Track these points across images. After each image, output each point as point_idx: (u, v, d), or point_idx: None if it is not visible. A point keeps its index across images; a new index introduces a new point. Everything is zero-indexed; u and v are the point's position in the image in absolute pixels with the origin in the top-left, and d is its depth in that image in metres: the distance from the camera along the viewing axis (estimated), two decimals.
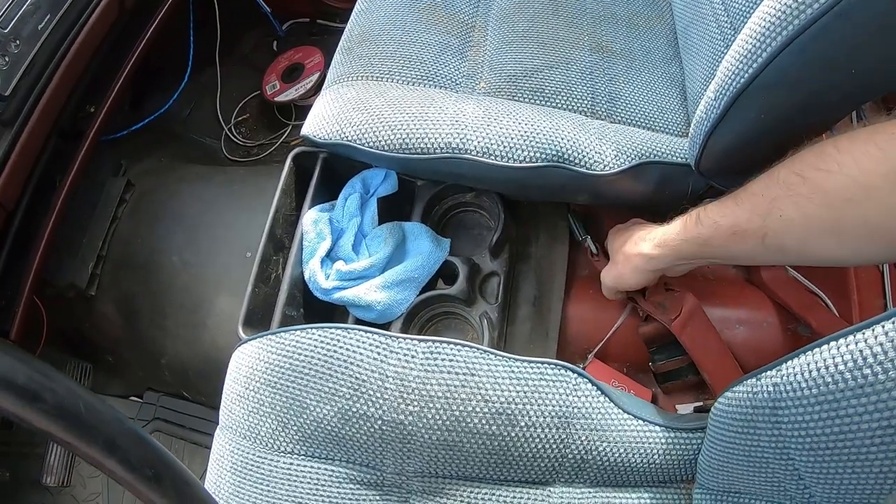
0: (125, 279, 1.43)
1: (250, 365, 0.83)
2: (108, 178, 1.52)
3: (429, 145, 0.83)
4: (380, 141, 0.85)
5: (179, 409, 1.45)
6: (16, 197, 0.93)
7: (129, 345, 1.44)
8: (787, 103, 0.66)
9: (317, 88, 1.66)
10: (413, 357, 0.75)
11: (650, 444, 0.75)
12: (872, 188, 0.54)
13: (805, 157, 0.61)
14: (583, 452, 0.73)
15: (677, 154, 0.89)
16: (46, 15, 0.91)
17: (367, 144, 0.86)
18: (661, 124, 0.95)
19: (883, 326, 0.45)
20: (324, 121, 0.92)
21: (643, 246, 0.79)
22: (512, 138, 0.83)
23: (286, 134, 1.69)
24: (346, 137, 0.88)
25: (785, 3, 0.58)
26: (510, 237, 0.97)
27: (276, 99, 1.68)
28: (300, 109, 1.71)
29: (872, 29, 0.55)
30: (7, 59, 0.85)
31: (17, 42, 0.86)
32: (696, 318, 0.89)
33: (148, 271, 1.42)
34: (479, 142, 0.83)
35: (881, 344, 0.45)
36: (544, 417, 0.72)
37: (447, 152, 0.83)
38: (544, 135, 0.85)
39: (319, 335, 0.79)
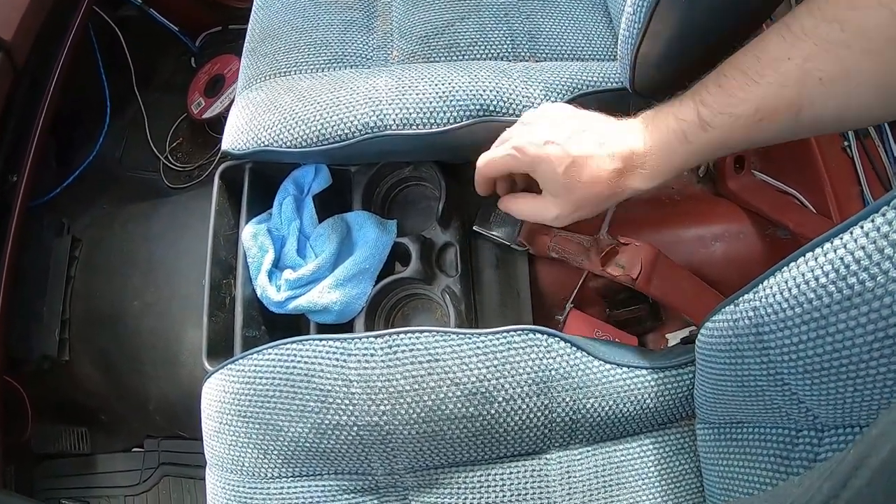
0: (94, 336, 1.41)
1: (218, 398, 0.79)
2: (53, 239, 1.48)
3: (346, 130, 0.79)
4: (296, 138, 0.80)
5: (181, 449, 1.44)
6: None
7: (116, 399, 1.42)
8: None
9: None
10: (373, 355, 0.70)
11: (640, 389, 0.71)
12: None
13: None
14: (570, 413, 0.69)
15: (611, 79, 0.84)
16: None
17: (284, 145, 0.81)
18: (588, 52, 0.90)
19: (862, 227, 0.40)
20: (239, 131, 0.87)
21: (628, 177, 0.66)
22: (430, 102, 0.78)
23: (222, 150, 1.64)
24: (263, 142, 0.83)
25: None
26: (458, 203, 0.92)
27: (203, 116, 1.62)
28: None
29: None
30: None
31: None
32: (659, 267, 0.84)
33: (114, 323, 1.40)
34: (396, 114, 0.78)
35: (863, 247, 0.40)
36: (521, 387, 0.68)
37: (367, 133, 0.78)
38: (464, 91, 0.79)
39: (276, 354, 0.75)
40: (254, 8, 1.06)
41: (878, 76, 0.49)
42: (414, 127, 0.78)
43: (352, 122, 0.78)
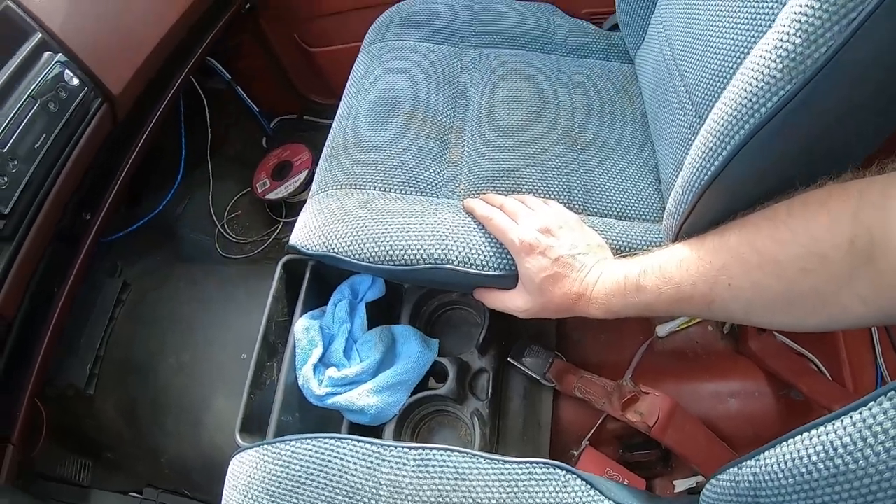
0: (124, 379, 1.45)
1: (248, 474, 0.84)
2: (105, 279, 1.56)
3: (412, 257, 0.87)
4: (365, 253, 0.88)
5: None
6: (15, 306, 0.94)
7: (129, 442, 1.45)
8: (752, 192, 0.67)
9: (305, 185, 1.72)
10: (405, 465, 0.77)
11: None
12: (822, 258, 0.54)
13: (757, 223, 0.61)
14: None
15: (653, 241, 0.92)
16: (42, 134, 0.95)
17: (353, 257, 0.89)
18: (636, 212, 0.98)
19: (851, 417, 0.47)
20: (311, 232, 0.96)
21: (586, 304, 0.78)
22: (491, 246, 0.87)
23: (277, 230, 1.74)
24: (333, 250, 0.91)
25: (742, 99, 0.60)
26: (498, 333, 0.99)
27: (266, 197, 1.73)
28: (290, 206, 1.77)
29: (830, 120, 0.57)
30: (6, 178, 0.89)
31: (15, 161, 0.90)
32: (676, 418, 0.90)
33: (146, 371, 1.45)
34: (460, 252, 0.86)
35: (849, 434, 0.47)
36: None
37: (430, 263, 0.86)
38: None
39: (314, 445, 0.81)
40: (338, 115, 1.17)
41: (785, 296, 0.58)
42: (473, 267, 0.85)
43: (418, 251, 0.86)
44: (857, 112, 0.56)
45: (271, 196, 1.73)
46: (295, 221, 1.66)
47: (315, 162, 1.78)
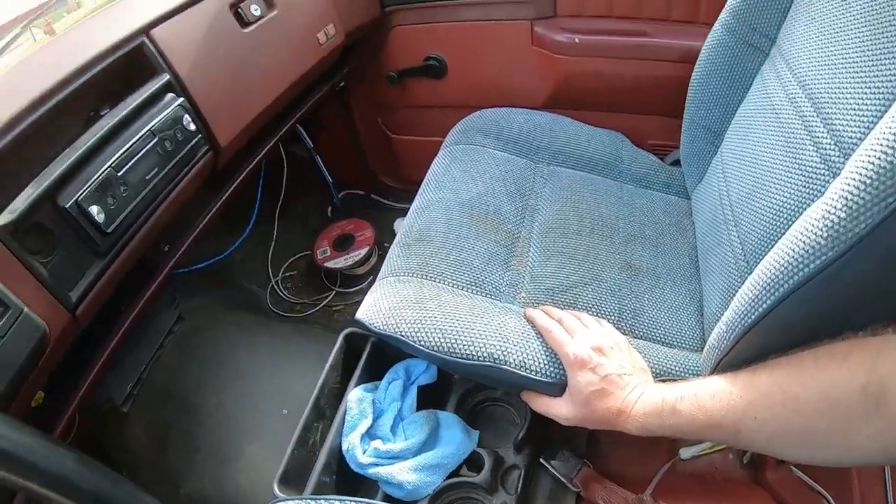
0: (160, 405, 1.52)
1: None
2: (163, 307, 1.65)
3: (472, 353, 0.95)
4: (430, 342, 0.97)
5: None
6: (89, 317, 0.99)
7: (152, 467, 1.48)
8: (786, 339, 0.73)
9: (364, 261, 1.82)
10: None
11: None
12: (839, 403, 0.61)
13: (786, 368, 0.68)
14: None
15: (689, 369, 0.99)
16: (154, 168, 1.04)
17: (418, 343, 0.97)
18: (678, 340, 1.06)
19: None
20: (379, 311, 1.04)
21: (626, 420, 0.84)
22: (547, 355, 0.95)
23: (329, 298, 1.83)
24: (400, 332, 0.99)
25: (789, 258, 0.66)
26: (534, 435, 1.07)
27: (325, 264, 1.82)
28: (346, 278, 1.86)
29: (861, 285, 0.63)
30: (115, 200, 0.96)
31: (126, 187, 0.98)
32: None
33: (185, 404, 1.52)
34: (517, 357, 0.94)
35: None
36: None
37: (488, 361, 0.94)
38: None
39: None
40: (415, 207, 1.27)
41: (802, 431, 0.66)
42: (528, 371, 0.93)
43: (479, 349, 0.95)
44: (887, 280, 0.62)
45: (329, 264, 1.83)
46: (347, 293, 1.79)
47: (376, 241, 1.89)
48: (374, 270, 1.89)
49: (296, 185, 1.98)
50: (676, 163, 1.41)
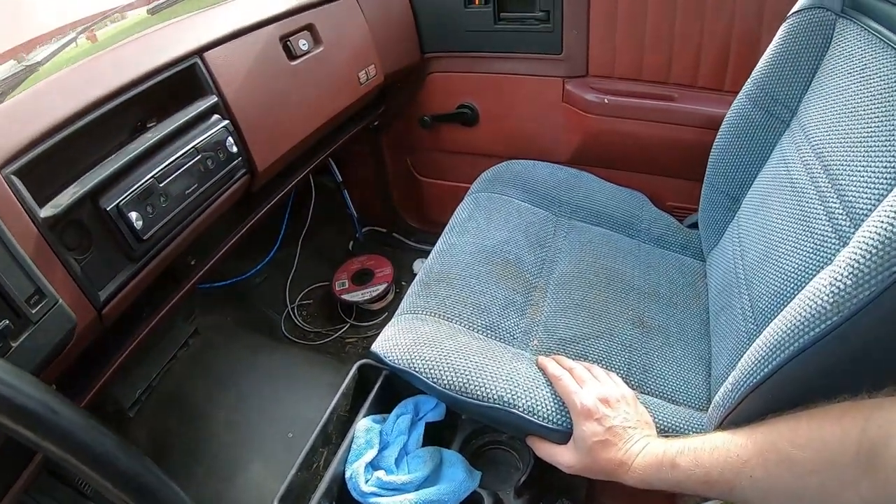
0: (168, 416, 1.53)
1: None
2: (179, 319, 1.67)
3: (484, 394, 0.97)
4: (443, 380, 0.99)
5: None
6: (114, 318, 1.01)
7: None
8: (785, 399, 0.74)
9: (381, 297, 1.85)
10: None
11: None
12: (832, 463, 0.62)
13: (781, 428, 0.69)
14: None
15: (694, 427, 1.00)
16: (195, 184, 1.08)
17: (431, 380, 1.00)
18: (684, 398, 1.08)
19: None
20: (396, 346, 1.06)
21: (626, 473, 0.87)
22: (555, 403, 0.97)
23: (343, 330, 1.85)
24: (415, 369, 1.02)
25: (795, 321, 0.68)
26: (535, 481, 1.08)
27: (342, 296, 1.85)
28: (361, 312, 1.89)
29: (862, 350, 0.64)
30: (154, 209, 1.00)
31: (165, 198, 1.02)
32: None
33: (191, 415, 1.53)
34: (526, 401, 0.96)
35: None
36: None
37: (498, 404, 0.96)
38: None
39: None
40: (437, 248, 1.31)
41: (796, 489, 0.67)
42: (536, 417, 0.95)
43: (490, 391, 0.97)
44: (886, 347, 0.64)
45: (347, 297, 1.86)
46: (361, 326, 1.81)
47: (395, 279, 1.93)
48: (390, 307, 1.93)
49: (321, 215, 2.03)
50: (694, 225, 1.45)
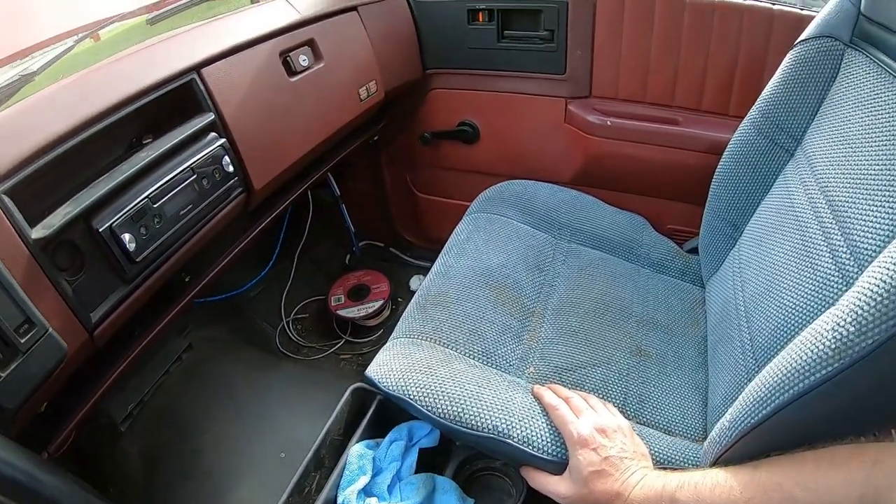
0: (159, 432, 1.51)
1: None
2: (173, 334, 1.66)
3: (478, 424, 0.95)
4: (437, 408, 0.98)
5: None
6: (106, 338, 1.00)
7: (140, 488, 1.47)
8: (787, 440, 0.73)
9: (377, 313, 1.83)
10: None
11: None
12: None
13: (785, 468, 0.69)
14: None
15: (689, 459, 0.99)
16: (189, 204, 1.06)
17: (425, 408, 0.98)
18: (680, 429, 1.06)
19: None
20: (390, 372, 1.05)
21: (620, 501, 0.85)
22: (551, 433, 0.95)
23: (338, 346, 1.84)
24: (409, 395, 1.00)
25: (796, 364, 0.67)
26: None
27: (337, 312, 1.84)
28: (356, 328, 1.88)
29: (863, 396, 0.63)
30: (147, 231, 0.98)
31: (159, 219, 1.00)
32: None
33: (183, 431, 1.51)
34: (521, 432, 0.95)
35: None
36: None
37: (492, 434, 0.95)
38: None
39: None
40: (435, 270, 1.29)
41: None
42: (531, 447, 0.94)
43: (485, 420, 0.95)
44: (889, 393, 0.63)
45: (342, 313, 1.84)
46: (356, 342, 1.80)
47: (391, 296, 1.92)
48: (386, 324, 1.91)
49: (318, 228, 2.02)
50: (694, 250, 1.44)
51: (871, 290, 0.59)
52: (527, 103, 1.66)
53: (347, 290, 1.90)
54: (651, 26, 1.45)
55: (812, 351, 0.65)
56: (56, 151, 0.86)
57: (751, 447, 0.77)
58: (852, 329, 0.60)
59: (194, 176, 1.06)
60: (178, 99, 1.08)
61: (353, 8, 1.49)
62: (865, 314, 0.59)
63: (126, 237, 0.94)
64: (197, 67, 1.10)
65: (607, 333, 1.19)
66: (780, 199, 1.08)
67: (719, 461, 0.84)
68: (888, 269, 0.59)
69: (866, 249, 0.76)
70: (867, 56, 0.97)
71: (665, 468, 0.89)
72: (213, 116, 1.12)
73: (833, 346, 0.62)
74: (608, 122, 1.54)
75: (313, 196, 1.96)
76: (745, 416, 0.76)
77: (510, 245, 1.34)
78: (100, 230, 0.91)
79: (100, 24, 1.29)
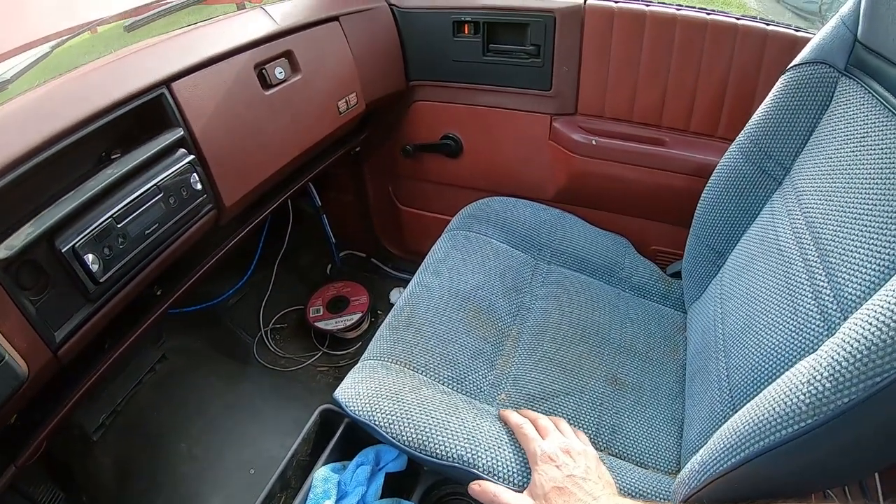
0: (131, 443, 1.50)
1: None
2: (147, 344, 1.64)
3: (443, 454, 0.93)
4: (403, 436, 0.95)
5: None
6: (72, 355, 0.98)
7: (111, 497, 1.46)
8: (756, 490, 0.71)
9: (356, 326, 1.80)
10: None
11: None
12: None
13: None
14: None
15: (661, 494, 0.96)
16: (155, 224, 1.03)
17: (391, 435, 0.96)
18: (652, 461, 1.04)
19: None
20: (358, 396, 1.02)
21: None
22: (517, 462, 0.93)
23: (315, 358, 1.81)
24: (375, 422, 0.98)
25: (770, 415, 0.65)
26: None
27: (315, 324, 1.81)
28: (335, 340, 1.85)
29: (836, 452, 0.62)
30: (111, 250, 0.95)
31: (123, 239, 0.97)
32: None
33: (155, 444, 1.50)
34: (487, 462, 0.92)
35: None
36: None
37: (457, 463, 0.92)
38: None
39: None
40: (409, 290, 1.26)
41: None
42: (496, 477, 0.91)
43: (450, 450, 0.93)
44: (863, 451, 0.62)
45: (320, 325, 1.82)
46: (334, 355, 1.77)
47: (370, 309, 1.89)
48: (364, 336, 1.88)
49: (299, 238, 1.99)
50: (677, 274, 1.41)
51: (851, 346, 0.58)
52: (511, 119, 1.64)
53: (326, 302, 1.87)
54: (640, 43, 1.42)
55: (786, 404, 0.64)
56: (19, 170, 0.83)
57: (720, 492, 0.75)
58: (829, 385, 0.59)
59: (161, 194, 1.03)
60: (147, 113, 1.05)
61: (335, 18, 1.46)
62: (843, 371, 0.58)
63: (89, 257, 0.92)
64: (167, 81, 1.06)
65: (583, 361, 1.17)
66: (765, 229, 1.06)
67: (688, 502, 0.82)
68: (870, 324, 0.57)
69: (850, 295, 0.74)
70: (862, 86, 0.94)
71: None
72: (183, 132, 1.09)
73: (808, 402, 0.61)
74: (593, 142, 1.52)
75: (294, 206, 1.93)
76: (715, 462, 0.75)
77: (488, 265, 1.31)
78: (62, 250, 0.88)
79: (78, 29, 1.25)
